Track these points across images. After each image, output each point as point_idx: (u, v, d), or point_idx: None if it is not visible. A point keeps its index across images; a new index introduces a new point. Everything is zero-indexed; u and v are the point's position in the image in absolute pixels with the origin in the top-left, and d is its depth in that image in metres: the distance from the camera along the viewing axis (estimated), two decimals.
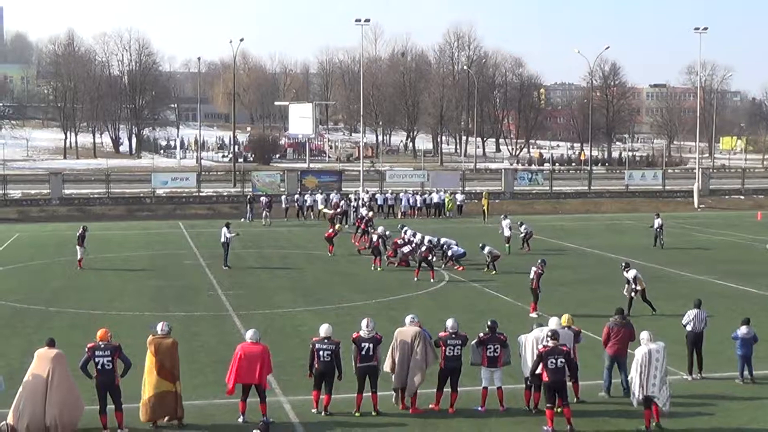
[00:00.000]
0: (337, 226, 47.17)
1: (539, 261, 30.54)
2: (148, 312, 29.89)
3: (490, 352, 19.25)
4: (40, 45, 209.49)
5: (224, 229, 40.00)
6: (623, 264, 30.77)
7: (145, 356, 18.49)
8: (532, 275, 29.82)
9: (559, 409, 18.30)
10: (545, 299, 30.73)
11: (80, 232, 40.40)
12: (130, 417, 18.17)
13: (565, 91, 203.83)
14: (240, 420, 18.49)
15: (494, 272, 38.35)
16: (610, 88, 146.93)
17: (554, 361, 18.31)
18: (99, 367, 17.93)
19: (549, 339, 18.71)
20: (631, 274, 29.48)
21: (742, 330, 21.57)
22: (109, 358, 17.96)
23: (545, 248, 47.44)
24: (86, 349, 18.26)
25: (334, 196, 64.24)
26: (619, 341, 20.55)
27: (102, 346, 18.09)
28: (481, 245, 39.99)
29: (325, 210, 58.70)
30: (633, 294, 29.25)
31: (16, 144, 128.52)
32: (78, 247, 39.93)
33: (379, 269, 39.32)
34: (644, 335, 18.85)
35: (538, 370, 18.51)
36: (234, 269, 39.42)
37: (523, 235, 45.56)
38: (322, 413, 19.00)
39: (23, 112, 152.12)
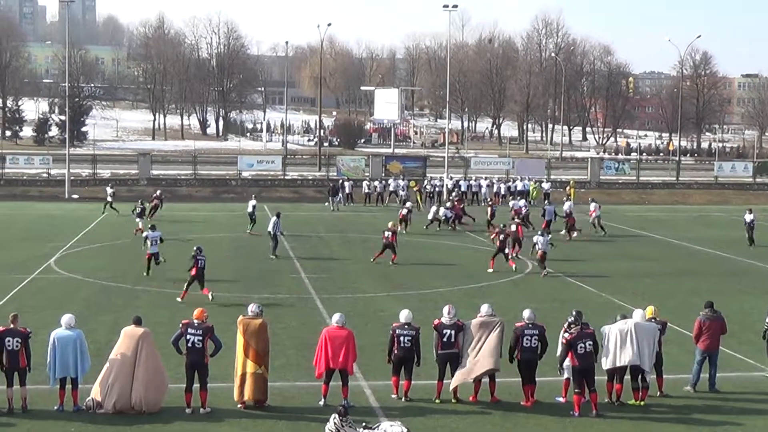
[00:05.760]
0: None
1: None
2: (231, 293, 30.19)
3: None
4: (131, 28, 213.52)
5: (274, 218, 39.14)
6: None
7: (233, 337, 18.75)
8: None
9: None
10: (629, 290, 30.31)
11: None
12: (213, 396, 18.37)
13: (654, 80, 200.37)
14: (321, 403, 18.56)
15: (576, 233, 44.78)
16: (701, 78, 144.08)
17: (583, 345, 18.33)
18: (189, 345, 18.18)
19: (572, 325, 18.58)
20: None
21: None
22: (200, 338, 18.19)
23: (630, 236, 46.91)
24: (180, 325, 18.57)
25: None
26: (711, 335, 20.09)
27: (195, 324, 18.34)
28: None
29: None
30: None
31: (106, 124, 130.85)
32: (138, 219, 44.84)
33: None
34: None
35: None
36: (317, 253, 39.62)
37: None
38: (403, 399, 18.98)
39: (113, 94, 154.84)
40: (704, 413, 18.72)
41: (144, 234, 35.21)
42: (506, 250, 36.38)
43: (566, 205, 47.93)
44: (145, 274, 33.17)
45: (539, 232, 36.19)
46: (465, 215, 49.62)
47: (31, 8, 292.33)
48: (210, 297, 28.57)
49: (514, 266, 35.60)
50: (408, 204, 50.28)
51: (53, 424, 17.47)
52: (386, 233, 37.54)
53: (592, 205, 47.98)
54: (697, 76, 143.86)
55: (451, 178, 66.87)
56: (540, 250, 34.89)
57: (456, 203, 50.37)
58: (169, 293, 30.01)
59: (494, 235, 37.52)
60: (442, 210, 48.58)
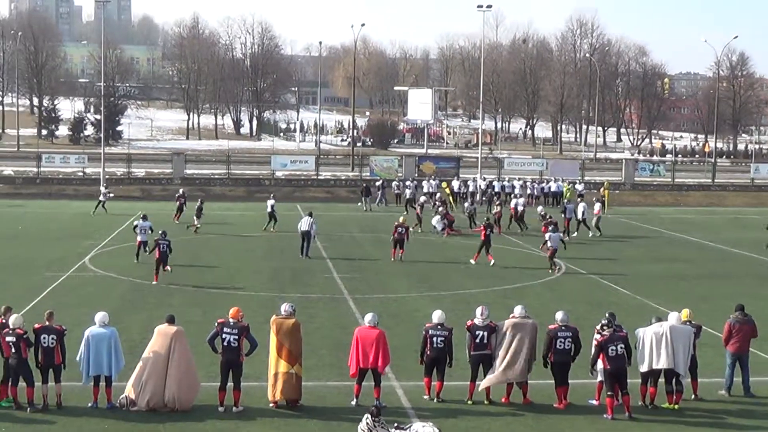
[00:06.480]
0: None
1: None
2: (264, 293, 30.27)
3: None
4: (166, 28, 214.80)
5: (307, 218, 38.61)
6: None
7: (267, 336, 18.85)
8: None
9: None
10: (664, 292, 30.06)
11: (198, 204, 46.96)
12: (246, 395, 18.43)
13: (690, 81, 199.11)
14: (353, 403, 18.57)
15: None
16: (738, 79, 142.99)
17: (614, 348, 18.27)
18: (225, 344, 18.27)
19: (605, 327, 18.51)
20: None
21: None
22: (236, 337, 18.26)
23: (665, 238, 46.63)
24: (216, 324, 18.65)
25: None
26: (741, 338, 19.91)
27: (231, 323, 18.40)
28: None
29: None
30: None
31: (140, 124, 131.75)
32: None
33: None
34: None
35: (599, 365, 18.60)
36: (350, 253, 39.66)
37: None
38: (435, 400, 18.95)
39: (148, 93, 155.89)
40: (738, 417, 18.56)
41: (135, 223, 36.47)
42: (491, 242, 37.22)
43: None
44: (135, 261, 35.46)
45: (551, 229, 36.43)
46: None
47: (68, 8, 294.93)
48: (153, 282, 31.22)
49: (492, 261, 36.46)
50: (422, 199, 51.73)
51: (87, 421, 17.60)
52: (399, 229, 37.72)
53: (597, 206, 47.50)
54: (734, 77, 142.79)
55: (484, 179, 66.66)
56: (551, 248, 35.00)
57: (447, 210, 48.53)
58: (202, 292, 30.17)
59: (482, 230, 37.26)
60: (435, 219, 46.33)
